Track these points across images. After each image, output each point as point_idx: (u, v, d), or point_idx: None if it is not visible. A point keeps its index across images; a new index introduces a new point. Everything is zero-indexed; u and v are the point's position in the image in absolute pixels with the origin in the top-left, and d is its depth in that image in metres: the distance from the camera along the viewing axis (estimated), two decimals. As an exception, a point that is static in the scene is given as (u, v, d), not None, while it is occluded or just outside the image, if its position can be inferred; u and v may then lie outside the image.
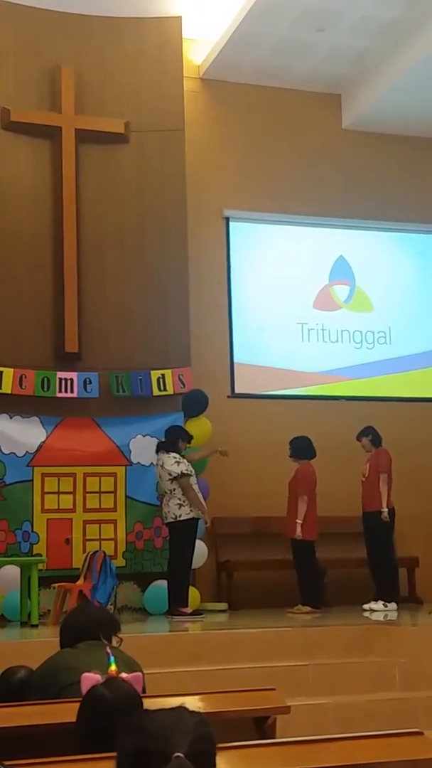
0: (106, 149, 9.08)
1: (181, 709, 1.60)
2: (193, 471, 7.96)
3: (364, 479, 8.44)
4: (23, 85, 8.97)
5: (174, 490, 7.80)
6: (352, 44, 9.58)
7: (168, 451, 7.94)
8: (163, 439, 8.13)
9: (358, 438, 8.59)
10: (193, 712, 1.60)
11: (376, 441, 8.54)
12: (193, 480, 7.89)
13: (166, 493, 7.90)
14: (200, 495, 7.92)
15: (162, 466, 7.89)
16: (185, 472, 7.81)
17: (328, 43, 9.56)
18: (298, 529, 8.08)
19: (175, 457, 7.88)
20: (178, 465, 7.83)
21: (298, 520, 8.10)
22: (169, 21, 9.35)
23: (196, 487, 7.90)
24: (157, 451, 8.06)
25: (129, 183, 9.12)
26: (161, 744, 1.50)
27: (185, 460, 7.91)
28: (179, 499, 7.79)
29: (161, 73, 9.32)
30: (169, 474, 7.80)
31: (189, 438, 8.15)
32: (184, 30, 9.45)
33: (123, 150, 9.13)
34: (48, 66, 8.99)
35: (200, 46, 9.93)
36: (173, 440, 8.02)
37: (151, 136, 9.20)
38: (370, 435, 8.55)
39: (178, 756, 1.47)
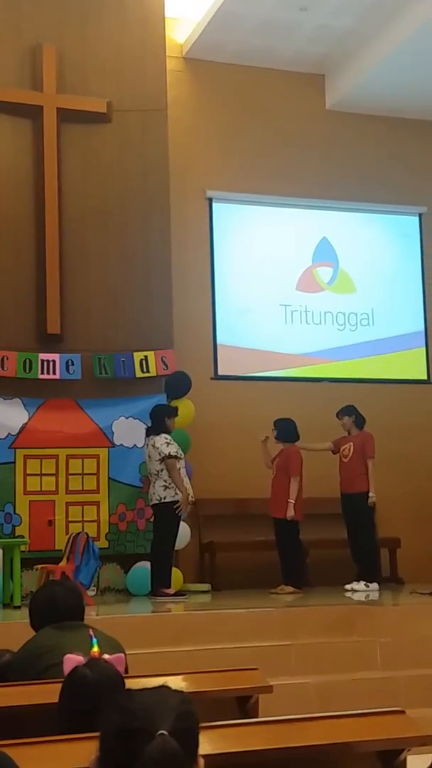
0: (88, 129, 9.00)
1: (164, 687, 1.61)
2: (182, 455, 7.96)
3: (345, 460, 8.46)
4: (4, 64, 8.87)
5: (161, 471, 7.79)
6: (336, 24, 9.53)
7: (158, 433, 7.93)
8: (150, 423, 8.11)
9: (339, 416, 8.60)
10: (175, 690, 1.60)
11: (360, 422, 8.56)
12: (181, 464, 7.88)
13: (152, 474, 7.90)
14: (186, 480, 7.91)
15: (153, 445, 7.88)
16: (173, 453, 7.80)
17: (311, 23, 9.51)
18: (291, 509, 8.10)
19: (166, 438, 7.88)
20: (168, 446, 7.83)
21: (290, 500, 8.10)
22: (152, -1, 9.28)
23: (183, 471, 7.89)
24: (147, 435, 8.06)
25: (111, 163, 9.06)
26: (145, 722, 1.50)
27: (175, 443, 7.91)
28: (165, 481, 7.79)
29: (144, 52, 9.24)
30: (159, 453, 7.79)
31: (174, 411, 8.15)
32: (166, 9, 9.37)
33: (105, 129, 9.06)
34: (29, 44, 8.89)
35: (183, 25, 9.86)
36: (159, 420, 8.01)
37: (134, 116, 9.13)
38: (353, 415, 8.56)
39: (162, 733, 1.48)
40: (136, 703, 1.55)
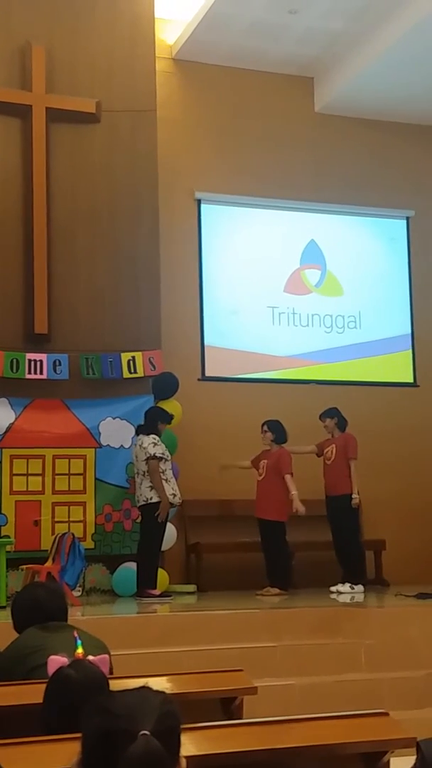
0: (77, 129, 9.00)
1: (145, 688, 1.61)
2: (169, 456, 7.96)
3: (328, 462, 8.48)
4: (-7, 63, 8.86)
5: (147, 471, 7.80)
6: (325, 27, 9.55)
7: (147, 434, 7.94)
8: (142, 422, 8.12)
9: (321, 418, 8.61)
10: (157, 690, 1.61)
11: (342, 425, 8.58)
12: (167, 465, 7.88)
13: (138, 474, 7.90)
14: (173, 481, 7.91)
15: (140, 445, 7.89)
16: (159, 455, 7.81)
17: (300, 26, 9.53)
18: (297, 502, 8.04)
19: (153, 439, 7.89)
20: (154, 447, 7.84)
21: (293, 492, 8.06)
22: (142, 0, 9.27)
23: (169, 473, 7.89)
24: (137, 434, 8.07)
25: (100, 163, 9.05)
26: (127, 723, 1.50)
27: (162, 444, 7.91)
28: (151, 481, 7.79)
29: (133, 52, 9.24)
30: (146, 453, 7.79)
31: (168, 418, 8.15)
32: (156, 9, 9.37)
33: (94, 130, 9.05)
34: (18, 44, 8.88)
35: (173, 26, 9.86)
36: (152, 422, 8.02)
37: (123, 117, 9.13)
38: (336, 417, 8.58)
39: (145, 734, 1.48)
40: (117, 704, 1.55)
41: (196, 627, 6.51)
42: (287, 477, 8.18)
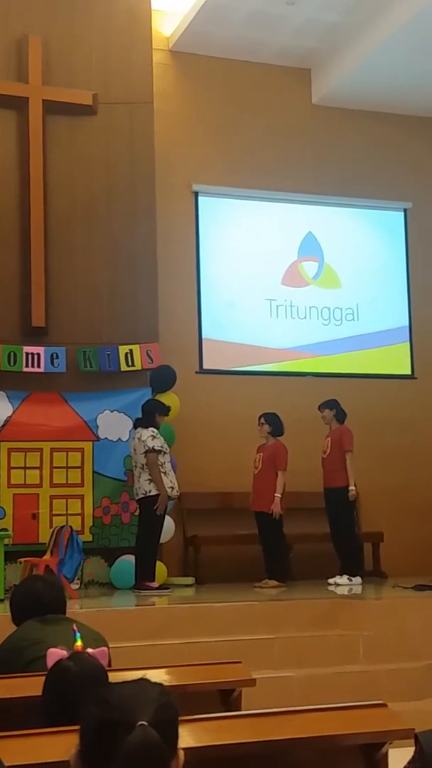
0: (73, 121, 8.98)
1: (143, 680, 1.61)
2: (168, 449, 7.95)
3: (324, 455, 8.47)
4: (-10, 55, 8.83)
5: (146, 464, 7.79)
6: (323, 18, 9.53)
7: (146, 426, 7.93)
8: (139, 415, 8.12)
9: (320, 409, 8.60)
10: (154, 682, 1.61)
11: (340, 417, 8.56)
12: (166, 458, 7.88)
13: (137, 467, 7.89)
14: (171, 474, 7.91)
15: (140, 438, 7.89)
16: (157, 448, 7.80)
17: (298, 17, 9.50)
18: (278, 505, 8.08)
19: (152, 432, 7.88)
20: (153, 439, 7.83)
21: (277, 495, 8.11)
22: (139, -9, 9.25)
23: (168, 466, 7.89)
24: (135, 427, 8.07)
25: (97, 156, 9.03)
26: (125, 714, 1.51)
27: (161, 437, 7.91)
28: (150, 474, 7.79)
29: (130, 44, 9.22)
30: (144, 446, 7.79)
31: (166, 410, 8.14)
32: (153, 1, 9.35)
33: (91, 122, 9.03)
34: (15, 35, 8.85)
35: (169, 17, 9.83)
36: (150, 415, 8.01)
37: (120, 109, 9.11)
38: (335, 409, 8.56)
39: (143, 724, 1.48)
40: (115, 695, 1.55)
41: (194, 619, 6.52)
42: (279, 474, 8.19)
